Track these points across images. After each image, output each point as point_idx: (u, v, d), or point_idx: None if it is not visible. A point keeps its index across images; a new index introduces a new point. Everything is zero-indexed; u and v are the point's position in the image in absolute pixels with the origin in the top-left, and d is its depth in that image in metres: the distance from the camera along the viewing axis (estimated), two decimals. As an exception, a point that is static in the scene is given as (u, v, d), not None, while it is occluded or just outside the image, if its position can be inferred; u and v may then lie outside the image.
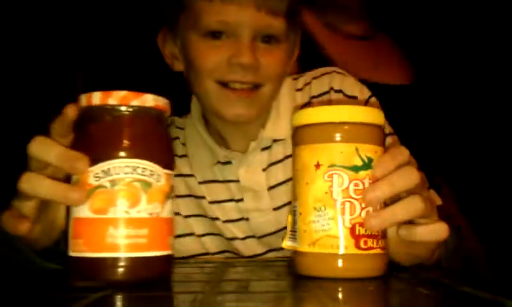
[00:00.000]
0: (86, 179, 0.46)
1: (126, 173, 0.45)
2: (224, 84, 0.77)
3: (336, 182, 0.49)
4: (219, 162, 0.85)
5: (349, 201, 0.49)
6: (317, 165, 0.50)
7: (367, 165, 0.50)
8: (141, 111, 0.47)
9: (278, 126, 0.84)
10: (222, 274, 0.55)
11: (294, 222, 0.52)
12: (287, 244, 0.54)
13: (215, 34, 0.76)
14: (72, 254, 0.46)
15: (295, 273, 0.53)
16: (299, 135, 0.53)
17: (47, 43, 1.57)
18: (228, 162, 0.85)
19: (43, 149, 0.49)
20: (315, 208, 0.50)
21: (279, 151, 0.84)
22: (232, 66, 0.76)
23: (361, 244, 0.49)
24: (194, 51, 0.77)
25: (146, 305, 0.42)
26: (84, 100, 0.48)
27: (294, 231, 0.53)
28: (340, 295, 0.44)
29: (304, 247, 0.51)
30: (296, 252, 0.53)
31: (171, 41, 0.83)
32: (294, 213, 0.53)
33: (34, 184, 0.49)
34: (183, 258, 0.84)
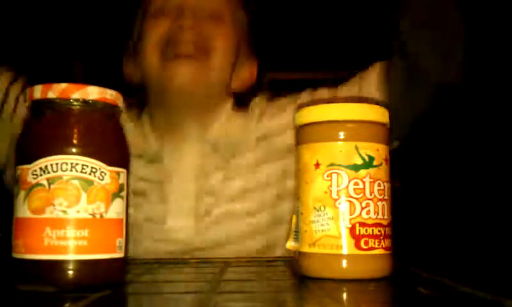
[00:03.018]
0: (25, 176, 0.44)
1: (64, 171, 0.43)
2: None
3: (336, 181, 0.49)
4: None
5: (348, 200, 0.48)
6: (317, 165, 0.50)
7: (368, 163, 0.49)
8: (83, 105, 0.44)
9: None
10: (222, 274, 0.54)
11: (297, 223, 0.52)
12: (290, 244, 0.53)
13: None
14: (13, 255, 0.44)
15: (297, 274, 0.52)
16: (300, 134, 0.53)
17: (46, 33, 1.59)
18: None
19: None
20: (315, 208, 0.49)
21: None
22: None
23: (362, 244, 0.48)
24: None
25: (146, 305, 0.41)
26: (28, 93, 0.46)
27: (297, 231, 0.52)
28: (339, 296, 0.43)
29: (305, 248, 0.50)
30: (298, 253, 0.52)
31: None
32: (297, 213, 0.52)
33: None
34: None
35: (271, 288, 0.48)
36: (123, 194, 0.46)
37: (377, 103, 0.55)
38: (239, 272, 0.59)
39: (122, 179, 0.46)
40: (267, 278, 0.54)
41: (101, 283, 0.44)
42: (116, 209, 0.45)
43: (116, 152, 0.46)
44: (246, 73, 0.89)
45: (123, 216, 0.46)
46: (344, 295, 0.44)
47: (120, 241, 0.46)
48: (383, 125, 0.52)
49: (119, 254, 0.46)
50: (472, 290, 0.42)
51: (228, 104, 0.88)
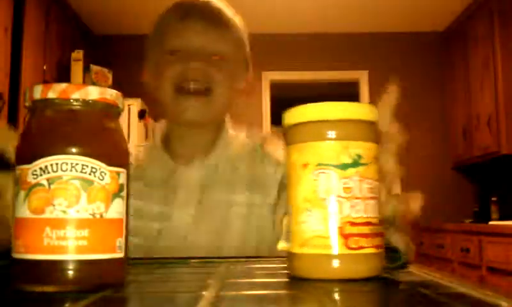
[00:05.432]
0: (25, 176, 0.44)
1: (64, 170, 0.43)
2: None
3: (324, 181, 0.48)
4: None
5: (337, 200, 0.48)
6: (305, 165, 0.49)
7: (356, 162, 0.48)
8: (83, 105, 0.44)
9: None
10: (222, 274, 0.54)
11: (288, 223, 0.52)
12: (282, 245, 0.53)
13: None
14: (13, 255, 0.44)
15: (289, 275, 0.52)
16: (289, 135, 0.52)
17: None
18: None
19: None
20: (304, 208, 0.49)
21: None
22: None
23: (352, 244, 0.47)
24: None
25: (146, 305, 0.41)
26: (28, 94, 0.46)
27: (288, 232, 0.52)
28: (340, 296, 0.43)
29: (295, 248, 0.50)
30: (289, 254, 0.51)
31: None
32: (288, 213, 0.52)
33: None
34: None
35: (270, 288, 0.47)
36: (123, 194, 0.46)
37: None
38: (239, 272, 0.59)
39: (122, 179, 0.46)
40: (267, 278, 0.54)
41: (101, 283, 0.44)
42: (116, 209, 0.45)
43: (116, 152, 0.46)
44: (244, 87, 1.05)
45: (123, 216, 0.46)
46: (344, 295, 0.43)
47: (120, 241, 0.46)
48: (371, 123, 0.51)
49: (119, 254, 0.46)
50: (471, 290, 0.42)
51: (228, 124, 1.05)
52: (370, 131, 0.50)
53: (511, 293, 0.39)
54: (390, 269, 0.52)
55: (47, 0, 3.34)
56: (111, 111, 0.47)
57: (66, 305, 0.39)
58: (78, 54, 3.56)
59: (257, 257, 0.81)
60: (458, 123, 4.07)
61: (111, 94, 0.46)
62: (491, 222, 3.35)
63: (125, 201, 0.47)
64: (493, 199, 3.73)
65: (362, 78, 4.34)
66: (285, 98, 3.99)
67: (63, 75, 3.45)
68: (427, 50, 4.37)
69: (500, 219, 3.50)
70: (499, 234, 2.89)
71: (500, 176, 3.83)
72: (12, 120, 2.84)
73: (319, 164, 0.48)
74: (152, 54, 1.01)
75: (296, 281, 0.50)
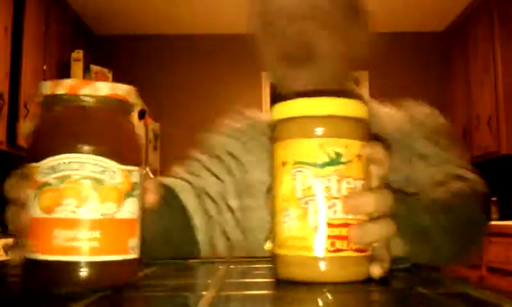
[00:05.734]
0: (35, 175, 0.42)
1: (73, 170, 0.41)
2: None
3: (301, 180, 0.46)
4: None
5: (314, 199, 0.45)
6: (284, 163, 0.47)
7: (335, 160, 0.46)
8: (93, 101, 0.43)
9: None
10: (222, 274, 0.54)
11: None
12: (267, 246, 0.52)
13: None
14: (26, 255, 0.43)
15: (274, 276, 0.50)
16: (272, 132, 0.51)
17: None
18: None
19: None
20: (283, 208, 0.47)
21: None
22: None
23: (329, 246, 0.45)
24: None
25: (146, 305, 0.41)
26: (38, 89, 0.44)
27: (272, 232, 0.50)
28: (339, 296, 0.42)
29: (276, 249, 0.48)
30: (272, 255, 0.50)
31: None
32: (272, 214, 0.50)
33: None
34: None
35: (270, 287, 0.47)
36: (137, 193, 0.45)
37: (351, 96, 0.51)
38: (239, 272, 0.58)
39: (135, 178, 0.45)
40: (267, 278, 0.53)
41: (113, 284, 0.43)
42: (128, 209, 0.44)
43: (127, 150, 0.45)
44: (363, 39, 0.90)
45: (136, 216, 0.45)
46: (344, 295, 0.43)
47: (133, 241, 0.44)
48: (353, 119, 0.48)
49: (132, 255, 0.44)
50: (471, 290, 0.42)
51: (356, 90, 0.90)
52: (353, 128, 0.47)
53: (511, 293, 0.39)
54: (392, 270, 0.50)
55: (47, 0, 3.33)
56: (122, 107, 0.45)
57: (66, 305, 0.38)
58: (78, 54, 3.56)
59: (259, 257, 0.81)
60: (458, 123, 4.07)
61: (123, 89, 0.45)
62: (491, 222, 3.34)
63: (139, 201, 0.45)
64: (493, 199, 3.72)
65: (362, 78, 4.34)
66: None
67: (63, 75, 3.43)
68: (427, 50, 4.36)
69: (500, 219, 3.50)
70: (499, 234, 2.88)
71: (500, 176, 3.83)
72: (12, 120, 2.83)
73: (297, 163, 0.46)
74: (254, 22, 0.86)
75: (294, 283, 0.48)
